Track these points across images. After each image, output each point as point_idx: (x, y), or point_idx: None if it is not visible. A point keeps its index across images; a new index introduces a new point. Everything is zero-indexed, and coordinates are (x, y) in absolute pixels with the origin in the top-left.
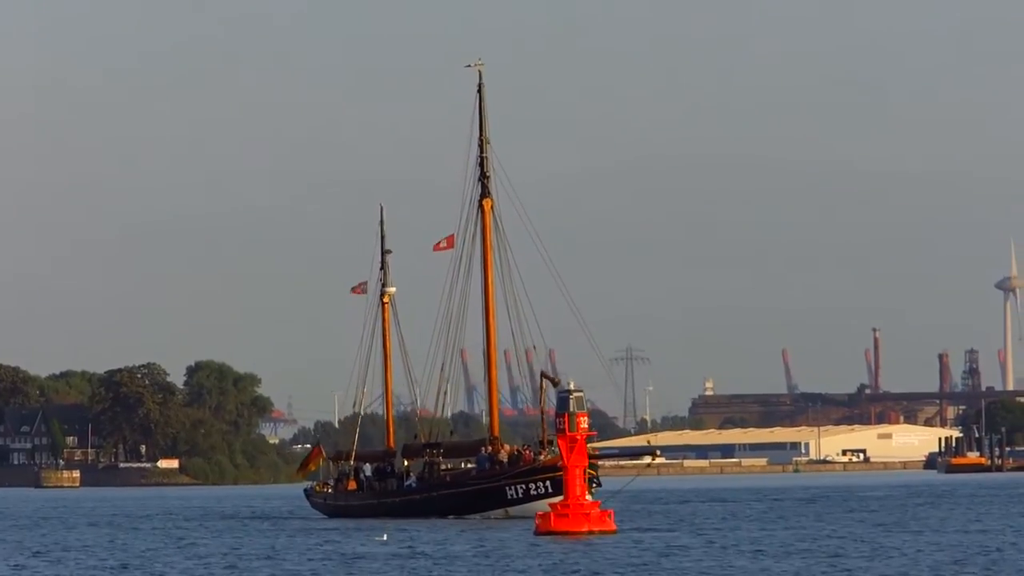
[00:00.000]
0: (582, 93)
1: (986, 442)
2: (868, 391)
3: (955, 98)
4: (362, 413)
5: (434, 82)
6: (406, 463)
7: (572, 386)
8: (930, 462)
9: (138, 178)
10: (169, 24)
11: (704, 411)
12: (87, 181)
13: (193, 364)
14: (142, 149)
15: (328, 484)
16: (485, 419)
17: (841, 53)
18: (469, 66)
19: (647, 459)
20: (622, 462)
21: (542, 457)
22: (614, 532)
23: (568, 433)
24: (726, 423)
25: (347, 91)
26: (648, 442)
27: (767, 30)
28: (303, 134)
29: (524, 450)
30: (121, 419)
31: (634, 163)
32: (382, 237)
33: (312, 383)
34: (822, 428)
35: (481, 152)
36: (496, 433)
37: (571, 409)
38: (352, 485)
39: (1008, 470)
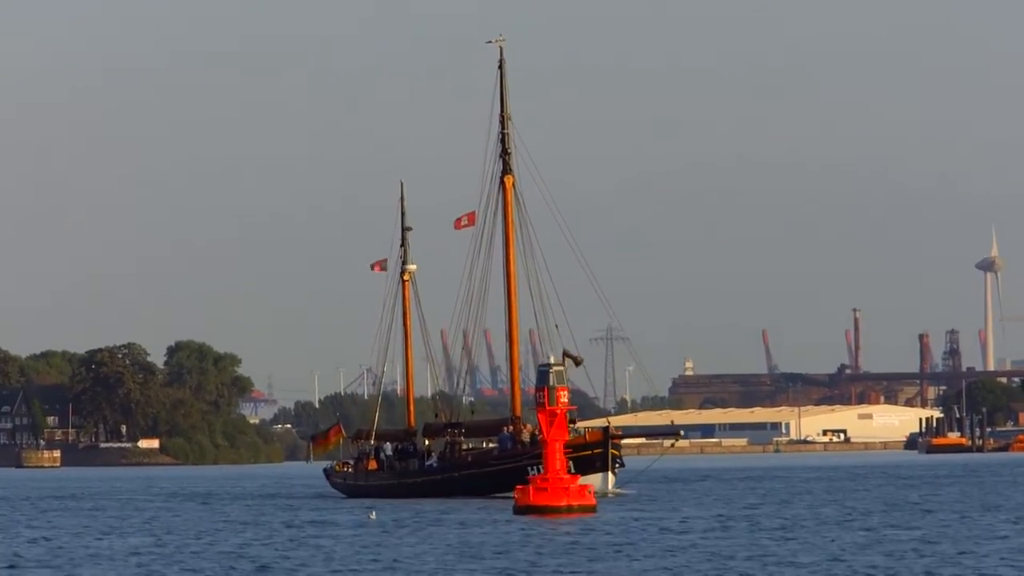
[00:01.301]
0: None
1: (967, 422)
2: (849, 371)
3: (935, 82)
4: (380, 392)
5: (456, 58)
6: (427, 442)
7: (552, 360)
8: (911, 442)
9: (120, 156)
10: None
11: (684, 391)
12: (72, 161)
13: (173, 344)
14: (134, 128)
15: (348, 463)
16: (465, 400)
17: (820, 47)
18: (490, 42)
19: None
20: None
21: None
22: (594, 507)
23: (548, 407)
24: (706, 403)
25: (368, 68)
26: (672, 422)
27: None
28: (321, 110)
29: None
30: (101, 399)
31: (631, 150)
32: (402, 214)
33: (292, 362)
34: (802, 408)
35: (502, 129)
36: (518, 413)
37: (551, 383)
38: (372, 465)
39: (989, 450)
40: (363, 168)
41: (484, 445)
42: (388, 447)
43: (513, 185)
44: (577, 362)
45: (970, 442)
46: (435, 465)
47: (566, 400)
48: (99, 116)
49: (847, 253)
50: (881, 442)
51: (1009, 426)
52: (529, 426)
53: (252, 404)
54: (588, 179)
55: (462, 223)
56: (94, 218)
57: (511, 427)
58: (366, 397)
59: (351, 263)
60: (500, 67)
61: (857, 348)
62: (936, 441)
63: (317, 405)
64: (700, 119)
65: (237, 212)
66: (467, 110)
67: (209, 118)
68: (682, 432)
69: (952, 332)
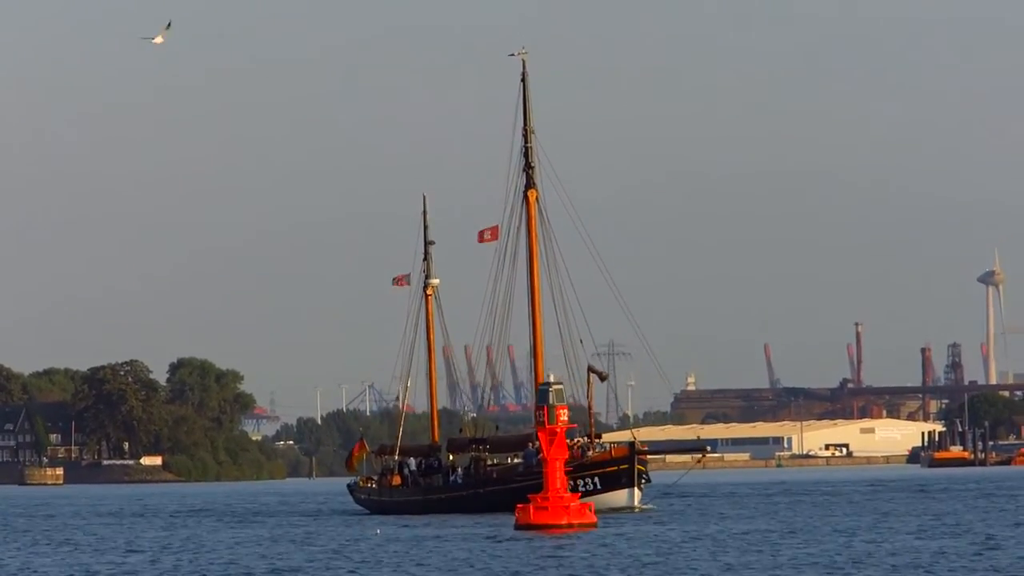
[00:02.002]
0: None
1: (969, 436)
2: (850, 385)
3: (941, 96)
4: (404, 408)
5: (480, 71)
6: (451, 458)
7: (552, 379)
8: (913, 456)
9: (122, 171)
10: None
11: (686, 406)
12: (70, 174)
13: (175, 361)
14: (139, 142)
15: (372, 479)
16: (466, 416)
17: (822, 52)
18: (513, 55)
19: (696, 455)
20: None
21: (590, 453)
22: (594, 525)
23: (548, 426)
24: (708, 418)
25: (389, 79)
26: (698, 437)
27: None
28: (340, 122)
29: (572, 445)
30: (104, 416)
31: (632, 161)
32: (425, 228)
33: (295, 379)
34: (804, 423)
35: (525, 142)
36: None
37: (550, 402)
38: (396, 480)
39: (991, 464)
40: (385, 181)
41: (509, 461)
42: (412, 462)
43: (537, 199)
44: (602, 377)
45: (972, 456)
46: (460, 481)
47: (566, 419)
48: (103, 129)
49: (848, 266)
50: (883, 456)
51: (1012, 439)
52: None
53: (254, 421)
54: (604, 188)
55: (485, 237)
56: (96, 235)
57: (537, 442)
58: (368, 414)
59: (359, 279)
60: (523, 80)
61: (859, 362)
62: (939, 455)
63: (319, 422)
64: (695, 130)
65: (241, 227)
66: (491, 122)
67: (220, 130)
68: (709, 448)
69: (954, 345)
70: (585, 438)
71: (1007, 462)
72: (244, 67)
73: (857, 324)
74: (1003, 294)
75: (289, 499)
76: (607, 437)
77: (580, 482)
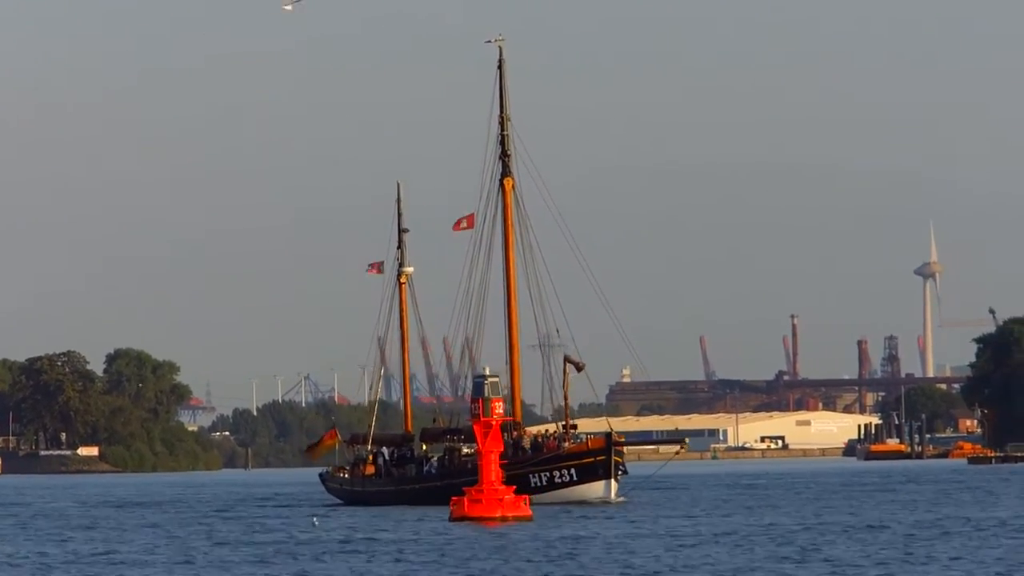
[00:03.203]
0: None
1: (906, 429)
2: (786, 378)
3: (874, 84)
4: (377, 397)
5: (455, 58)
6: (424, 447)
7: (487, 372)
8: (849, 449)
9: (59, 165)
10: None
11: (621, 398)
12: (6, 168)
13: (112, 352)
14: (86, 131)
15: (344, 468)
16: (374, 408)
17: (755, 50)
18: (489, 42)
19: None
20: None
21: (566, 444)
22: (529, 518)
23: (483, 418)
24: (643, 410)
25: (366, 67)
26: (677, 428)
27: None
28: (314, 109)
29: (548, 437)
30: (41, 407)
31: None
32: (399, 215)
33: (231, 370)
34: (740, 415)
35: (502, 130)
36: (518, 418)
37: (486, 394)
38: (370, 470)
39: (928, 457)
40: (361, 170)
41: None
42: (386, 452)
43: (513, 187)
44: (579, 367)
45: (909, 449)
46: (433, 471)
47: (501, 411)
48: (38, 124)
49: (784, 257)
50: (819, 449)
51: (948, 432)
52: (530, 432)
53: (190, 412)
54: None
55: (461, 225)
56: (33, 227)
57: (514, 433)
58: (303, 405)
59: (296, 271)
60: (499, 67)
61: (795, 354)
62: (875, 448)
63: (255, 413)
64: (620, 120)
65: (179, 220)
66: (466, 110)
67: (166, 122)
68: (687, 439)
69: (891, 338)
70: (560, 428)
71: (944, 455)
72: (213, 57)
73: (793, 316)
74: (940, 286)
75: (254, 491)
76: (543, 428)
77: (556, 473)
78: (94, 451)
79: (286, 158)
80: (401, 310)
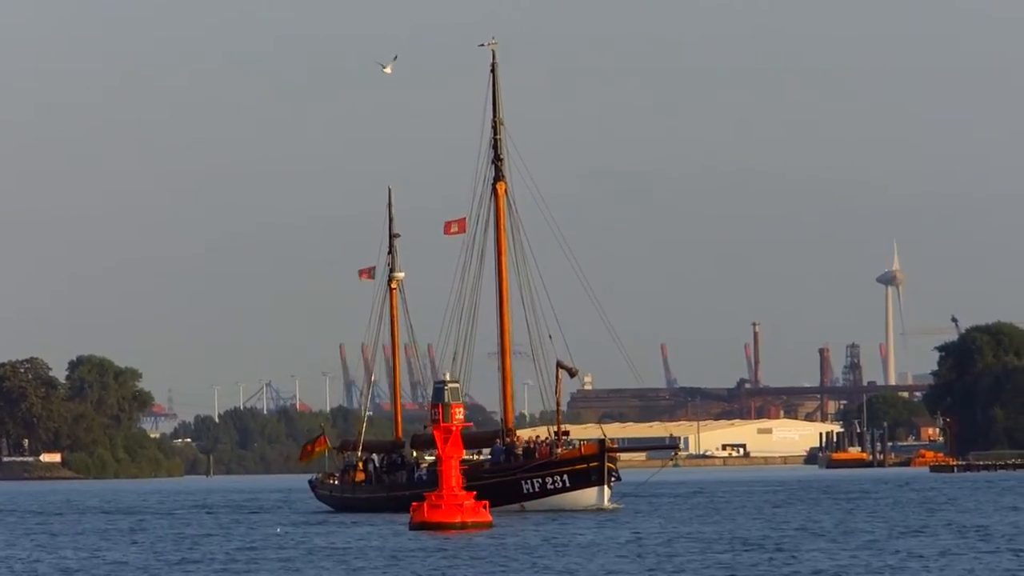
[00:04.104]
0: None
1: (867, 437)
2: (748, 385)
3: (841, 94)
4: (367, 404)
5: (448, 61)
6: (414, 454)
7: (448, 377)
8: (811, 457)
9: (24, 168)
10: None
11: (583, 405)
12: None
13: (75, 359)
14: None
15: (334, 475)
16: (363, 414)
17: (723, 55)
18: (483, 45)
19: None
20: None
21: (559, 450)
22: (489, 524)
23: (443, 424)
24: (604, 418)
25: (354, 71)
26: (672, 435)
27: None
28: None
29: (540, 443)
30: (4, 413)
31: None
32: (390, 220)
33: (193, 377)
34: (701, 423)
35: (495, 134)
36: (511, 424)
37: (445, 400)
38: (360, 476)
39: (890, 465)
40: (349, 175)
41: (474, 457)
42: (376, 458)
43: (506, 192)
44: (572, 373)
45: (871, 457)
46: (424, 478)
47: (461, 417)
48: (8, 128)
49: (746, 265)
50: (781, 456)
51: (911, 440)
52: (523, 437)
53: (152, 418)
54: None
55: (452, 229)
56: (4, 233)
57: (506, 439)
58: (265, 412)
59: (260, 278)
60: (492, 71)
61: (756, 362)
62: (836, 456)
63: (217, 420)
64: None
65: (141, 225)
66: (458, 113)
67: (136, 127)
68: (681, 445)
69: (853, 346)
70: (552, 434)
71: (906, 463)
72: (212, 54)
73: (755, 324)
74: (903, 294)
75: (232, 497)
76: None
77: (549, 480)
78: (57, 457)
79: (264, 164)
80: (392, 316)
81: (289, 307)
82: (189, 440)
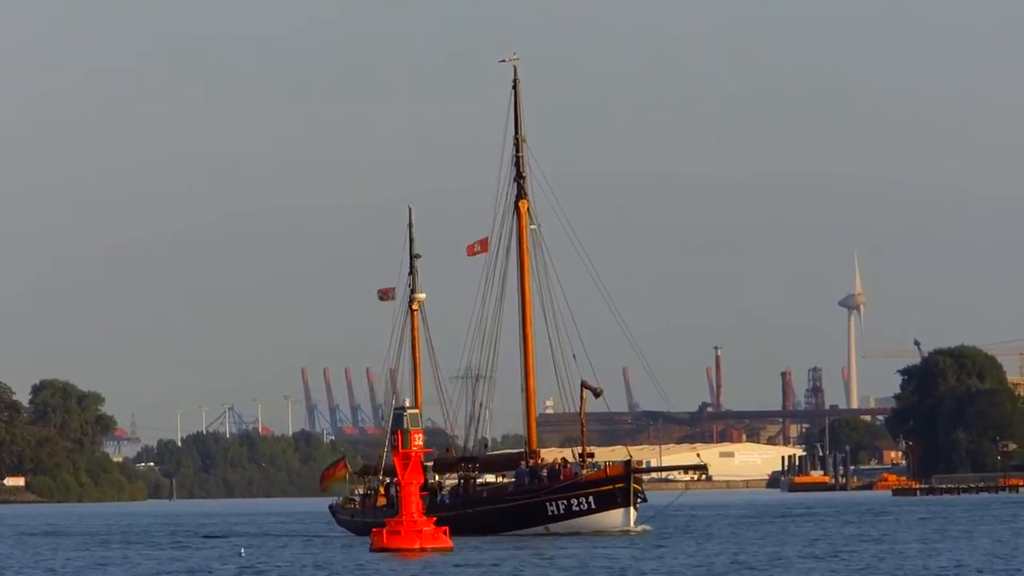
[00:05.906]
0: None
1: (830, 461)
2: (710, 409)
3: (797, 109)
4: (388, 427)
5: (469, 78)
6: (437, 478)
7: (407, 403)
8: (773, 481)
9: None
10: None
11: (544, 430)
12: None
13: (38, 383)
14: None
15: (354, 500)
16: (326, 438)
17: (697, 61)
18: (503, 61)
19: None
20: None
21: (584, 472)
22: (450, 549)
23: (402, 450)
24: (566, 442)
25: (374, 88)
26: (697, 456)
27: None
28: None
29: (565, 465)
30: None
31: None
32: (410, 240)
33: (156, 401)
34: (664, 446)
35: (517, 151)
36: (534, 446)
37: (405, 426)
38: (382, 501)
39: (853, 488)
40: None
41: (497, 480)
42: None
43: (528, 210)
44: (596, 393)
45: (833, 480)
46: (447, 501)
47: (420, 443)
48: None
49: (708, 288)
50: (743, 480)
51: (873, 464)
52: (547, 459)
53: (115, 442)
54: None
55: (475, 250)
56: None
57: (531, 461)
58: (228, 436)
59: (222, 297)
60: (514, 87)
61: (718, 386)
62: (799, 479)
63: (179, 444)
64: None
65: (105, 247)
66: (480, 130)
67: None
68: (708, 465)
69: (815, 370)
70: (576, 456)
71: (869, 487)
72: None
73: (716, 348)
74: (864, 318)
75: (228, 519)
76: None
77: (575, 501)
78: (20, 481)
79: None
80: (413, 337)
81: (252, 330)
82: (152, 464)
